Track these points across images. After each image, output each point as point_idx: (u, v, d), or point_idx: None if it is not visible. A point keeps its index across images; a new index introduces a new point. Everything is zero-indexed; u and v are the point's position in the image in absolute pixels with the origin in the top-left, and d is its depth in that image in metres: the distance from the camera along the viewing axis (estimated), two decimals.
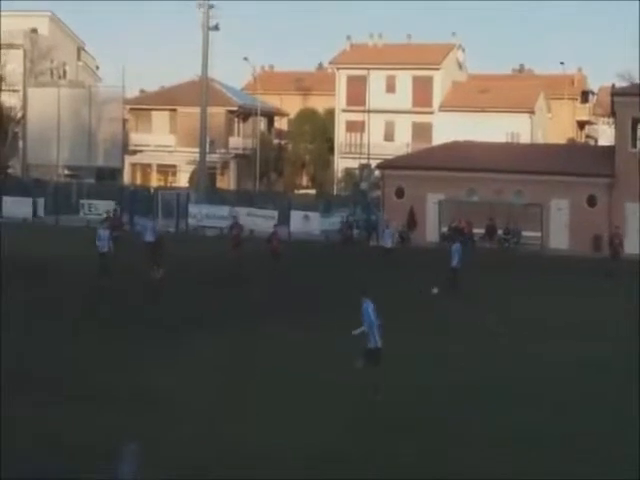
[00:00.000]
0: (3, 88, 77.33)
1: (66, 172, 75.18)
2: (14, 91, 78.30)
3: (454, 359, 20.26)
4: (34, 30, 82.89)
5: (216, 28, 58.59)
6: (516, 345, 22.23)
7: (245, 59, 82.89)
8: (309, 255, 41.45)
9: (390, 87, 79.64)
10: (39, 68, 79.88)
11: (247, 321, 24.14)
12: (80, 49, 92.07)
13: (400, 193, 51.00)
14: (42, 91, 76.20)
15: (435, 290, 26.27)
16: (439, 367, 19.43)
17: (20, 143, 79.36)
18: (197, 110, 61.95)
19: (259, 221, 50.90)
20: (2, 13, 77.20)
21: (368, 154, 73.03)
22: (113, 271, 29.25)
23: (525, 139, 73.88)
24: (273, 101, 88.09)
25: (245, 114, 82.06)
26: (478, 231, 46.82)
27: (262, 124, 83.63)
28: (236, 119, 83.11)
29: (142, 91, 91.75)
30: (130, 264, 31.31)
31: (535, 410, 16.23)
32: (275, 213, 51.94)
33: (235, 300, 27.39)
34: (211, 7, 58.33)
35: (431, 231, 49.82)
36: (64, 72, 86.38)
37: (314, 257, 41.18)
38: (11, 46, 77.88)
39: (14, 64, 78.02)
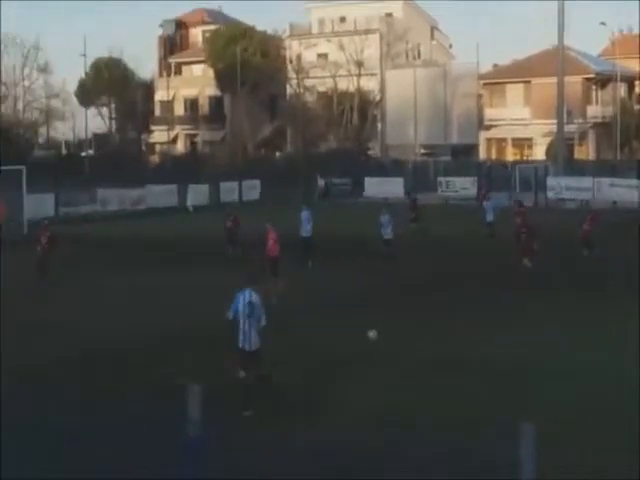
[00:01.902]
0: (362, 72, 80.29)
1: (422, 151, 76.65)
2: (372, 75, 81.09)
3: None
4: (389, 14, 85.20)
5: None
6: None
7: (602, 24, 79.42)
8: None
9: None
10: (395, 50, 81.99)
11: None
12: (433, 28, 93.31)
13: None
14: (398, 73, 78.21)
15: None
16: None
17: (379, 125, 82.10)
18: (552, 80, 60.39)
19: (622, 191, 48.69)
20: (361, 0, 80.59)
21: None
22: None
23: None
24: (633, 65, 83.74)
25: (603, 81, 78.92)
26: None
27: (622, 90, 80.00)
28: (594, 87, 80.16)
29: (495, 65, 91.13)
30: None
31: None
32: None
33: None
34: None
35: None
36: (419, 52, 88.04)
37: None
38: (368, 31, 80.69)
39: (371, 49, 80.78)
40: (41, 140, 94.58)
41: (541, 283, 24.34)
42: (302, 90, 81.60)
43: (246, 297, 13.12)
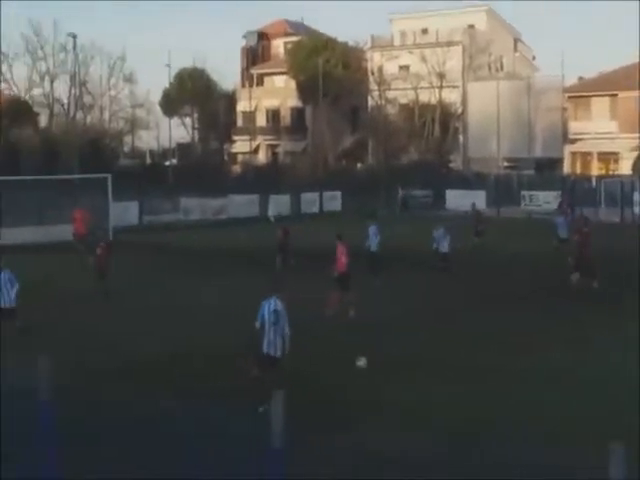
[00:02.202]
0: (444, 85, 79.88)
1: (505, 164, 75.83)
2: (454, 87, 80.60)
3: None
4: (471, 26, 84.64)
5: None
6: None
7: None
8: None
9: None
10: (477, 63, 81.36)
11: None
12: (516, 40, 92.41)
13: None
14: (481, 85, 77.64)
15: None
16: None
17: (460, 137, 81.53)
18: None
19: None
20: (444, 12, 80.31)
21: None
22: None
23: None
24: None
25: None
26: None
27: None
28: None
29: (580, 78, 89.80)
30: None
31: None
32: None
33: None
34: None
35: None
36: (501, 65, 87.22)
37: None
38: (451, 43, 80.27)
39: (453, 61, 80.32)
40: (126, 149, 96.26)
41: (600, 299, 23.72)
42: (384, 102, 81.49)
43: (271, 305, 13.68)
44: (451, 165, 78.93)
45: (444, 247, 28.83)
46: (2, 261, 18.58)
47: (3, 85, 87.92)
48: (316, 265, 25.82)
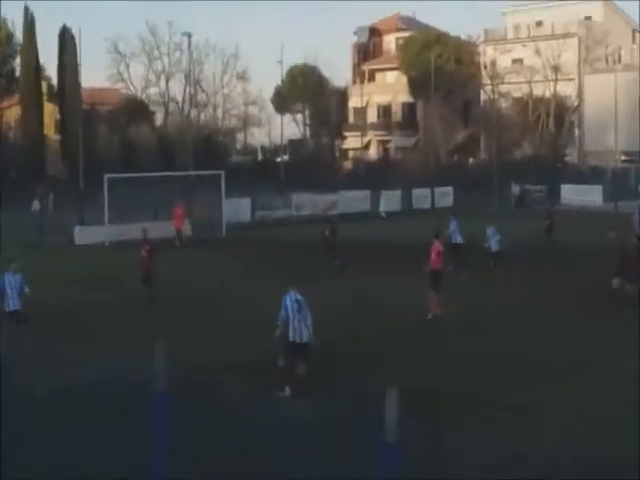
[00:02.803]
0: (559, 78, 78.28)
1: (623, 157, 73.83)
2: (569, 80, 78.91)
3: None
4: (588, 17, 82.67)
5: None
6: None
7: None
8: None
9: None
10: (594, 55, 79.52)
11: None
12: (635, 31, 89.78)
13: None
14: (597, 77, 75.81)
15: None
16: None
17: (576, 131, 79.78)
18: None
19: None
20: (559, 4, 78.61)
21: None
22: None
23: None
24: None
25: None
26: None
27: None
28: None
29: None
30: None
31: None
32: None
33: None
34: None
35: None
36: (619, 56, 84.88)
37: None
38: (566, 35, 78.60)
39: (569, 53, 78.63)
40: (238, 146, 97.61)
41: None
42: (497, 96, 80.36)
43: (292, 297, 14.38)
44: (566, 159, 77.29)
45: (493, 245, 28.62)
46: (13, 264, 17.58)
47: (120, 85, 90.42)
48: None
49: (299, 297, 14.47)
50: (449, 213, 32.07)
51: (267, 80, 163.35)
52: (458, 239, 28.35)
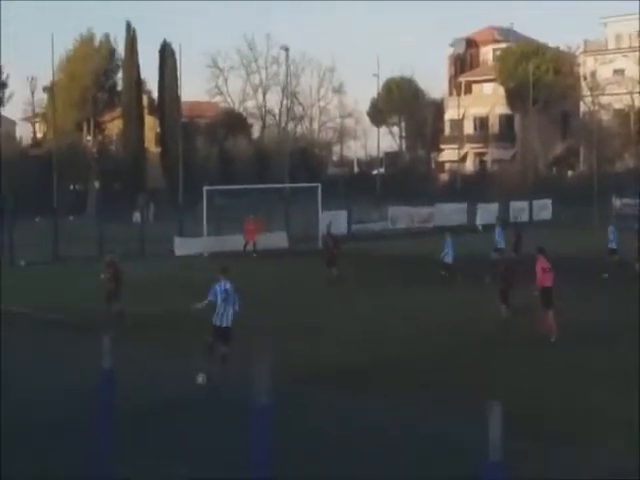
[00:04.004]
0: None
1: None
2: None
3: None
4: None
5: None
6: None
7: None
8: None
9: None
10: None
11: None
12: None
13: None
14: None
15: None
16: None
17: None
18: None
19: None
20: None
21: None
22: None
23: None
24: None
25: None
26: None
27: None
28: None
29: None
30: None
31: None
32: None
33: None
34: None
35: None
36: None
37: None
38: None
39: None
40: (335, 158, 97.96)
41: None
42: (597, 107, 78.86)
43: (222, 286, 15.92)
44: None
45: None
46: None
47: (219, 98, 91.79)
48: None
49: (228, 287, 15.92)
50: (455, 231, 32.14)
51: (363, 93, 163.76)
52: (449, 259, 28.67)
